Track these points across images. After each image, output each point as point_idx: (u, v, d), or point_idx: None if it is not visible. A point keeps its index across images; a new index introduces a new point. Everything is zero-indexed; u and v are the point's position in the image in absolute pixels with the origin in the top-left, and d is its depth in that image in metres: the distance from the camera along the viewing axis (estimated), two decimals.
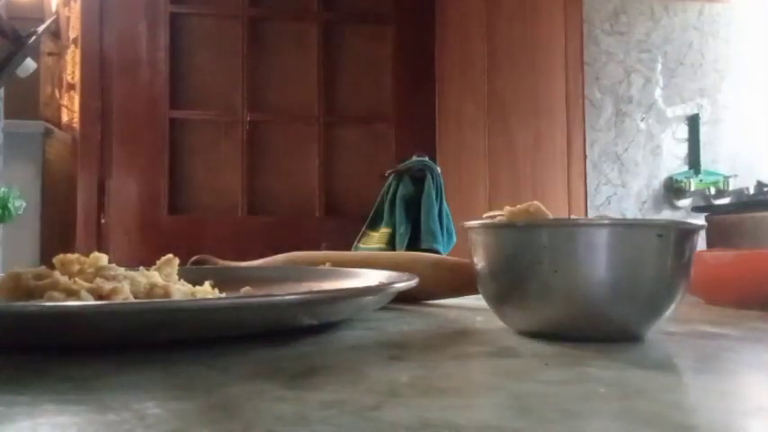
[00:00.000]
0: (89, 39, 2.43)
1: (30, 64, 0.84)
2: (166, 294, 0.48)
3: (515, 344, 0.42)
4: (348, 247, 2.02)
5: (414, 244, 1.96)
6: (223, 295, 0.53)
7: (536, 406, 0.28)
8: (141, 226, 2.42)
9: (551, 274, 0.41)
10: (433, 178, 2.05)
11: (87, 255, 0.52)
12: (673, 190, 2.60)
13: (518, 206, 0.50)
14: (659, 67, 2.62)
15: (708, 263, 0.65)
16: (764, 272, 0.60)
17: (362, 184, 2.45)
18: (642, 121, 2.59)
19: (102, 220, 2.41)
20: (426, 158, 2.12)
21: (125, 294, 0.46)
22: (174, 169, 2.46)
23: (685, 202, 2.59)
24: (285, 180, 2.52)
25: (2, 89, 1.62)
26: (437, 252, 1.87)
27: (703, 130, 2.61)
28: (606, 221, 0.42)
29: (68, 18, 2.62)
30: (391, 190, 2.09)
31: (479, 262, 0.46)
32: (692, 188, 2.56)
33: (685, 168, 2.61)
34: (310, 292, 0.45)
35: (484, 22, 2.47)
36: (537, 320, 0.44)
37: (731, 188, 2.51)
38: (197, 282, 0.53)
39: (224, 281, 0.56)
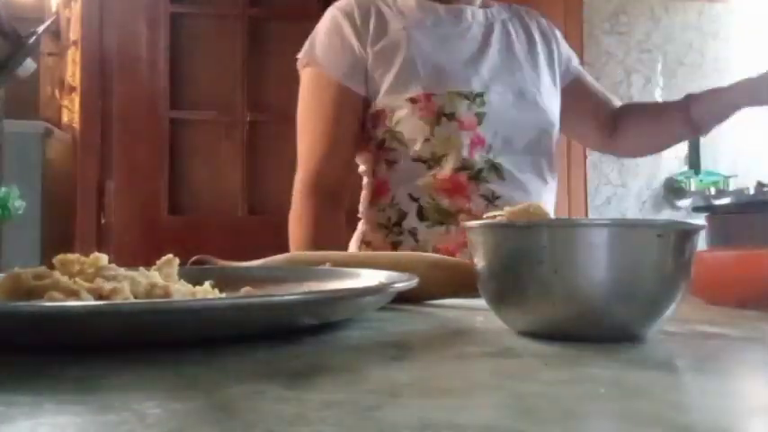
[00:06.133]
0: (89, 39, 2.43)
1: (30, 64, 0.84)
2: (166, 294, 0.48)
3: (515, 344, 0.42)
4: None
5: None
6: (223, 295, 0.53)
7: (536, 406, 0.28)
8: (141, 226, 2.41)
9: (551, 274, 0.41)
10: None
11: (87, 255, 0.52)
12: (673, 190, 2.59)
13: (518, 206, 0.50)
14: (659, 67, 2.62)
15: (708, 263, 0.65)
16: (764, 272, 0.60)
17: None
18: None
19: (103, 220, 2.41)
20: None
21: (125, 294, 0.45)
22: (174, 169, 2.46)
23: (685, 202, 2.59)
24: (285, 180, 2.51)
25: (2, 89, 1.62)
26: None
27: None
28: (606, 221, 0.42)
29: (69, 19, 2.62)
30: None
31: (479, 262, 0.46)
32: (692, 188, 2.56)
33: (685, 168, 2.61)
34: (310, 293, 0.45)
35: None
36: (537, 320, 0.44)
37: (731, 188, 2.50)
38: (197, 282, 0.53)
39: (224, 281, 0.56)
